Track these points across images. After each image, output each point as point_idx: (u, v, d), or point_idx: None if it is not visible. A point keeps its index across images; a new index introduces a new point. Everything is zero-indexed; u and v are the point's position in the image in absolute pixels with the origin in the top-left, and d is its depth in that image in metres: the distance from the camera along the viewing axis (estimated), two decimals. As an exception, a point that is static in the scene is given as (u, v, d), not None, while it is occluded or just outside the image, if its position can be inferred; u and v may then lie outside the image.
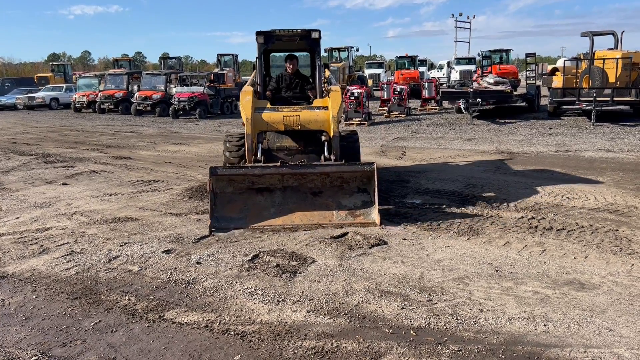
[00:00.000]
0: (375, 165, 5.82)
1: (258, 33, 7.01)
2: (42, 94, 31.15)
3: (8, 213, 6.71)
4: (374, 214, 5.78)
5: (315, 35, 7.02)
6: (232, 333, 3.46)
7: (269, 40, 7.21)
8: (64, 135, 16.70)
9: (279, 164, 5.96)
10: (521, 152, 10.69)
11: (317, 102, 6.81)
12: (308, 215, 5.82)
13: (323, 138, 6.67)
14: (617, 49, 16.16)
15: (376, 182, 5.75)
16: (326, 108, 6.56)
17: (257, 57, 7.24)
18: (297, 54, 7.56)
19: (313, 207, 5.90)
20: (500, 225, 5.62)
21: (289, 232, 5.52)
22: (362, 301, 3.87)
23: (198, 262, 4.75)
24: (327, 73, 7.73)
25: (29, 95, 31.07)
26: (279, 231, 5.55)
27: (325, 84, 7.34)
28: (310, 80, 7.46)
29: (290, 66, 7.28)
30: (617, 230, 5.38)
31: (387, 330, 3.44)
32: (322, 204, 5.93)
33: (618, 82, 15.25)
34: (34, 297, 4.11)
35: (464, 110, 17.61)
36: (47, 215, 6.53)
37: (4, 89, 34.78)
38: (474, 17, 58.76)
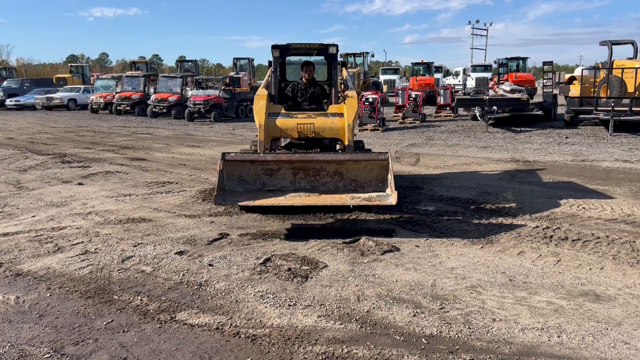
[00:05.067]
0: (389, 154, 5.78)
1: (274, 47, 6.96)
2: (60, 95, 31.54)
3: (24, 211, 6.80)
4: (391, 198, 5.53)
5: (332, 50, 6.98)
6: (242, 336, 3.46)
7: (284, 54, 7.19)
8: (81, 135, 16.91)
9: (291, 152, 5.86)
10: (537, 161, 10.59)
11: (332, 108, 6.72)
12: (321, 198, 5.72)
13: (338, 147, 6.60)
14: (636, 58, 15.93)
15: (391, 168, 5.67)
16: (341, 115, 6.44)
17: (272, 71, 7.15)
18: (313, 59, 7.53)
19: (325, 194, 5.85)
20: (515, 234, 5.57)
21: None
22: (374, 307, 3.85)
23: (210, 264, 4.77)
24: (345, 74, 7.63)
25: (48, 95, 31.47)
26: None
27: (342, 86, 7.26)
28: (326, 88, 7.38)
29: (307, 75, 7.18)
30: (634, 242, 5.29)
31: (398, 337, 3.42)
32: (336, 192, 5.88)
33: (637, 92, 15.04)
34: (48, 295, 4.16)
35: (479, 118, 17.48)
36: (63, 215, 6.61)
37: (24, 89, 35.23)
38: (491, 25, 58.53)
